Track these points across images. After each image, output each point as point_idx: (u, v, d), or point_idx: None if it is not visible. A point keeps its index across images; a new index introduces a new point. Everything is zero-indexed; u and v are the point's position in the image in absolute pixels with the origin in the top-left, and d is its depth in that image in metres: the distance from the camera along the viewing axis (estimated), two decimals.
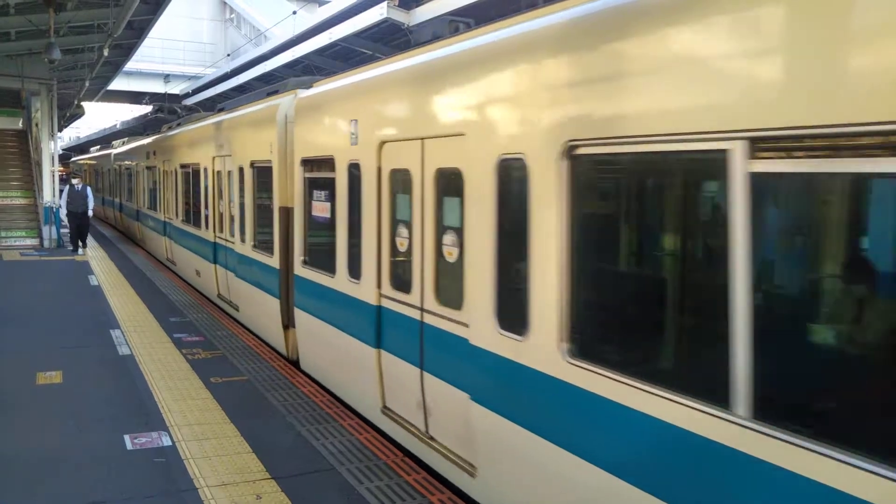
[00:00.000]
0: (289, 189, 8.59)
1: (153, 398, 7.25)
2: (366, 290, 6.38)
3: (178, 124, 17.64)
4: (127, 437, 6.18)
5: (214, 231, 12.11)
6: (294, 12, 26.85)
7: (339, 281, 6.96)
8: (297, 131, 8.26)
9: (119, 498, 5.11)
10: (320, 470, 5.62)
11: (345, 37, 18.95)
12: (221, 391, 7.52)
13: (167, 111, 24.23)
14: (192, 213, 13.84)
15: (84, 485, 5.31)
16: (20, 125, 25.91)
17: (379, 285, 6.20)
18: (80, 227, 19.80)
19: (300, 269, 8.11)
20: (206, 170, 12.53)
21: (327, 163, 7.24)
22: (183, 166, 14.69)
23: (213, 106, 20.86)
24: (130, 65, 29.34)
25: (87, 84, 24.79)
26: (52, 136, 22.21)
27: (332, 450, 5.99)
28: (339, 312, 7.00)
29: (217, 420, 6.67)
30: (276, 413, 6.90)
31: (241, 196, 10.47)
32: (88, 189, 20.39)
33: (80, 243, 19.76)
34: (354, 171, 6.62)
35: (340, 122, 6.97)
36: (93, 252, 19.41)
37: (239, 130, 10.76)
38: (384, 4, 16.58)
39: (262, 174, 9.49)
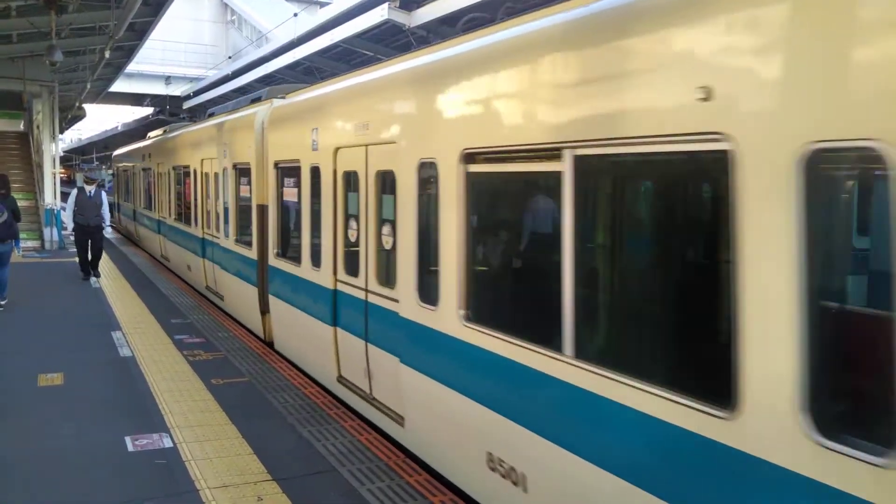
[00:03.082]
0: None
1: (154, 400, 7.24)
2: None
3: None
4: (128, 439, 6.17)
5: (335, 274, 7.13)
6: (295, 14, 26.86)
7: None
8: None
9: (120, 500, 5.10)
10: (322, 471, 5.60)
11: (346, 38, 18.97)
12: (222, 392, 7.51)
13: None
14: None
15: (85, 487, 5.30)
16: (21, 127, 25.94)
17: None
18: (92, 246, 14.95)
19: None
20: (334, 172, 7.07)
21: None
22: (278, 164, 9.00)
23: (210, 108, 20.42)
24: (132, 67, 29.38)
25: (88, 86, 24.85)
26: (53, 138, 22.24)
27: (334, 451, 5.98)
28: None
29: (218, 421, 6.66)
30: (277, 414, 6.88)
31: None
32: (104, 195, 15.56)
33: (93, 269, 15.06)
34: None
35: None
36: None
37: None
38: (385, 6, 16.59)
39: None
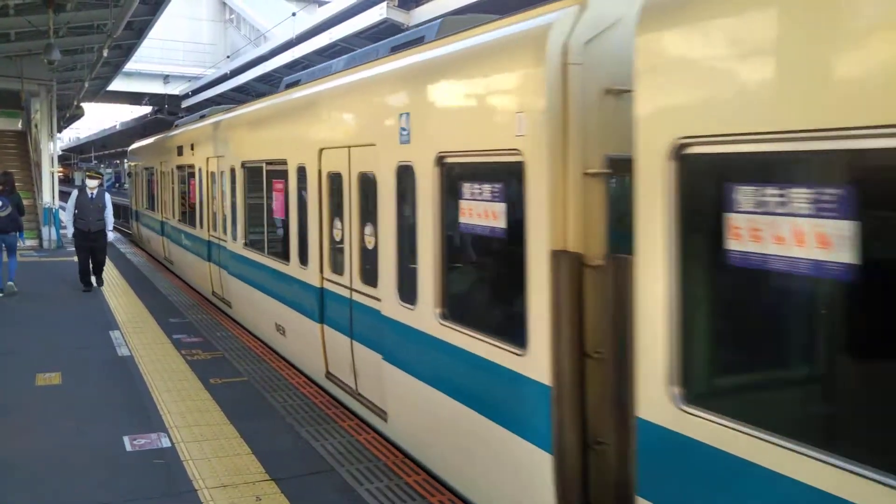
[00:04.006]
0: None
1: (152, 399, 7.24)
2: None
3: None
4: (126, 439, 6.16)
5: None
6: (294, 13, 26.86)
7: None
8: None
9: (118, 500, 5.09)
10: (320, 471, 5.60)
11: (344, 37, 19.01)
12: (221, 392, 7.50)
13: None
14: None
15: (83, 487, 5.29)
16: (19, 126, 25.90)
17: None
18: (94, 255, 13.49)
19: None
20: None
21: None
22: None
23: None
24: (130, 65, 29.35)
25: (86, 85, 24.80)
26: (51, 136, 22.22)
27: (332, 451, 5.98)
28: None
29: (216, 421, 6.65)
30: (276, 414, 6.88)
31: None
32: (107, 196, 13.54)
33: (95, 277, 13.71)
34: None
35: None
36: None
37: None
38: (384, 5, 16.61)
39: None
